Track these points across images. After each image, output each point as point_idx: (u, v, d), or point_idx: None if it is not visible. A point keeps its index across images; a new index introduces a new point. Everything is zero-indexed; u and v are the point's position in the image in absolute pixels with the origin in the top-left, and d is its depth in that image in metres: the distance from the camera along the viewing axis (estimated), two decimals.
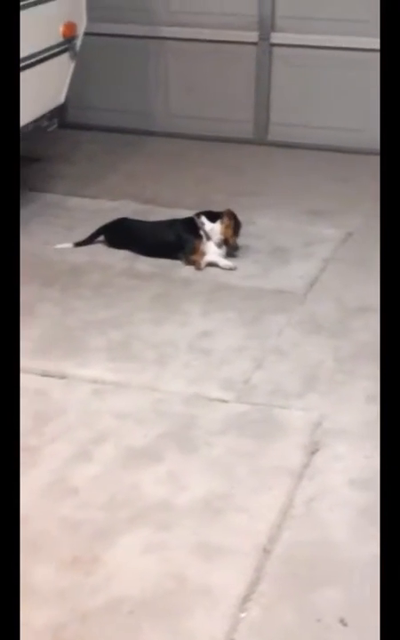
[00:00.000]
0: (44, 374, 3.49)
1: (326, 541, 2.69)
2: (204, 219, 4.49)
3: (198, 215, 4.52)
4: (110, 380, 3.47)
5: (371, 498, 2.83)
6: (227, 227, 4.47)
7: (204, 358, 3.64)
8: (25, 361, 3.49)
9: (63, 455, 3.03)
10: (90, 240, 4.60)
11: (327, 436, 3.16)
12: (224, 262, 4.40)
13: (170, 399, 3.36)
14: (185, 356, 3.65)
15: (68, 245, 4.58)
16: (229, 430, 3.18)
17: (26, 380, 3.38)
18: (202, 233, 4.46)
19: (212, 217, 4.50)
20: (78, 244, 4.58)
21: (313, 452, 3.07)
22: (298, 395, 3.40)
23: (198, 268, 4.39)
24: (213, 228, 4.46)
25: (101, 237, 4.62)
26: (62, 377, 3.49)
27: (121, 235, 4.62)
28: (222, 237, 4.45)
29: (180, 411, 3.29)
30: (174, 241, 4.49)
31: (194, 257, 4.42)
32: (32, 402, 3.30)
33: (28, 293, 4.08)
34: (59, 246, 4.57)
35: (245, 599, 2.46)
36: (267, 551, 2.63)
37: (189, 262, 4.42)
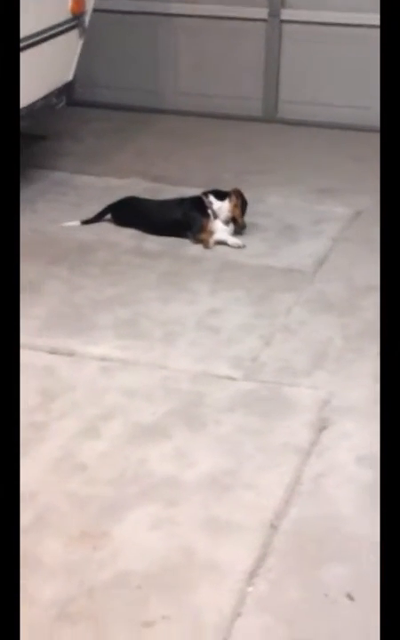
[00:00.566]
0: (52, 351, 3.49)
1: (334, 517, 2.69)
2: (211, 197, 4.47)
3: (206, 194, 4.51)
4: (118, 358, 3.47)
5: (378, 475, 2.81)
6: (235, 205, 4.45)
7: (212, 336, 3.63)
8: (33, 338, 3.53)
9: (71, 431, 3.03)
10: (97, 218, 4.59)
11: (335, 413, 3.16)
12: (233, 240, 4.39)
13: (178, 377, 3.36)
14: (193, 334, 3.64)
15: (76, 223, 4.57)
16: (237, 408, 3.18)
17: (34, 358, 3.42)
18: (210, 212, 4.44)
19: (220, 196, 4.49)
20: (86, 222, 4.58)
21: (321, 430, 3.08)
22: (306, 372, 3.40)
23: (207, 246, 4.37)
24: (221, 207, 4.45)
25: (109, 216, 4.61)
26: (70, 354, 3.49)
27: (128, 213, 4.60)
28: (230, 215, 4.44)
29: (187, 388, 3.29)
30: (182, 219, 4.47)
31: (202, 235, 4.41)
32: (40, 379, 3.31)
33: (36, 271, 4.07)
34: (66, 224, 4.57)
35: (252, 574, 2.47)
36: (274, 527, 2.64)
37: (198, 241, 4.41)
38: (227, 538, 2.60)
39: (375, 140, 5.51)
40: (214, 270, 4.18)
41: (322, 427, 3.09)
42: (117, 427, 3.06)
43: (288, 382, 3.34)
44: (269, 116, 6.11)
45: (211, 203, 4.46)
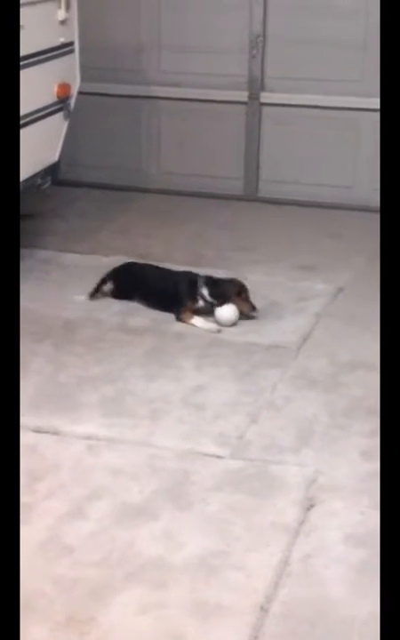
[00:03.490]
0: (37, 430, 3.48)
1: (324, 599, 2.66)
2: (205, 291, 4.44)
3: (206, 282, 4.47)
4: (104, 436, 3.46)
5: (366, 554, 2.82)
6: (243, 300, 4.45)
7: (197, 413, 3.64)
8: None
9: (57, 513, 3.00)
10: (98, 288, 4.62)
11: (322, 491, 3.15)
12: (208, 326, 4.38)
13: (164, 455, 3.35)
14: (179, 412, 3.65)
15: (83, 297, 4.60)
16: (224, 486, 3.17)
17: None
18: (198, 296, 4.46)
19: (215, 285, 4.45)
20: (92, 296, 4.61)
21: (308, 509, 3.06)
22: (292, 450, 3.40)
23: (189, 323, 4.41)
24: (224, 311, 4.39)
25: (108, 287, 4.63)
26: (55, 433, 3.48)
27: (129, 282, 4.64)
28: (235, 318, 4.41)
29: (174, 466, 3.28)
30: (172, 293, 4.50)
31: (183, 316, 4.44)
32: (25, 458, 3.27)
33: (21, 349, 4.07)
34: (76, 297, 4.59)
35: None
36: (264, 609, 2.60)
37: (179, 320, 4.44)
38: (216, 621, 2.56)
39: (354, 218, 5.76)
40: (199, 347, 4.21)
41: (309, 505, 3.08)
42: (104, 507, 3.04)
43: (275, 460, 3.33)
44: (250, 195, 6.24)
45: (203, 295, 4.45)
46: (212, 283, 4.49)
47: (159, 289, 4.57)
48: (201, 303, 4.46)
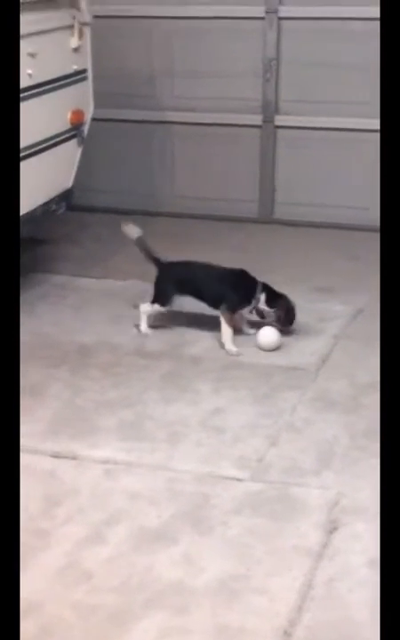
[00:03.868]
0: (55, 455, 3.45)
1: (348, 623, 2.61)
2: (263, 305, 4.43)
3: (263, 288, 4.44)
4: (122, 460, 3.43)
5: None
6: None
7: (216, 436, 3.60)
8: (36, 442, 3.50)
9: (76, 538, 2.96)
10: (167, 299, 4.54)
11: (345, 514, 3.10)
12: (231, 346, 4.34)
13: (183, 478, 3.31)
14: (197, 435, 3.61)
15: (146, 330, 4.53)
16: (245, 509, 3.12)
17: (37, 462, 3.38)
18: (254, 302, 4.42)
19: (272, 297, 4.45)
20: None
21: (331, 532, 3.01)
22: (313, 472, 3.35)
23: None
24: (268, 337, 4.34)
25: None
26: (74, 458, 3.45)
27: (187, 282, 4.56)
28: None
29: (193, 490, 3.24)
30: (219, 289, 4.45)
31: (228, 313, 4.35)
32: (43, 483, 3.26)
33: (38, 374, 4.07)
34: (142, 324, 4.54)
35: None
36: (288, 634, 2.55)
37: (223, 316, 4.36)
38: None
39: (371, 239, 5.69)
40: (217, 370, 4.17)
41: (332, 528, 3.02)
42: (123, 531, 3.00)
43: (295, 482, 3.29)
44: (266, 218, 6.23)
45: (259, 299, 4.41)
46: (270, 291, 4.44)
47: (210, 284, 4.48)
48: (250, 307, 4.42)
